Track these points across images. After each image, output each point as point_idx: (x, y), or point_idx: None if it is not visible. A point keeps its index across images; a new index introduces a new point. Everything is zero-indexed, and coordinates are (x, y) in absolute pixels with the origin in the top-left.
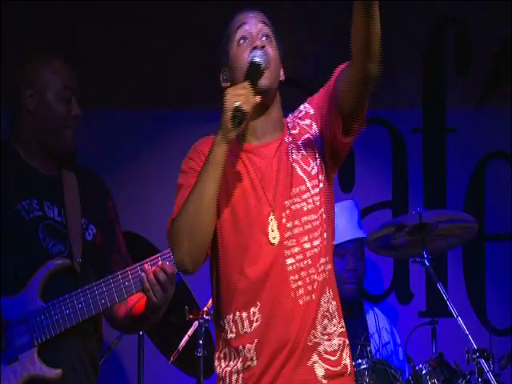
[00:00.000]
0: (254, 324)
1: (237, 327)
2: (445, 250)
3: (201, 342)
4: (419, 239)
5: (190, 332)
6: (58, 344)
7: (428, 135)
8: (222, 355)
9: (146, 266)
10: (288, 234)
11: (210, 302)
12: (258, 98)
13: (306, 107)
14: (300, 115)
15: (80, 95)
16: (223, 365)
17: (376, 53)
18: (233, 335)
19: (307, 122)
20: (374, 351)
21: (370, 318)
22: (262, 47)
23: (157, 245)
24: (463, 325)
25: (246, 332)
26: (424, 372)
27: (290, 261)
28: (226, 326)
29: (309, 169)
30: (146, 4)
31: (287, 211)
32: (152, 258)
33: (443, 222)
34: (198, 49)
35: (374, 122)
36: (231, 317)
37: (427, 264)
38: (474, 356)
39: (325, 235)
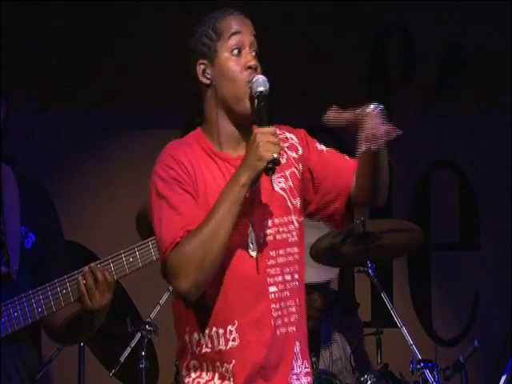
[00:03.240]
0: (230, 343)
1: (212, 343)
2: (390, 259)
3: (143, 353)
4: (363, 249)
5: (132, 344)
6: None
7: None
8: (191, 365)
9: (85, 269)
10: (271, 262)
11: (154, 313)
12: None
13: (292, 139)
14: (286, 145)
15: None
16: (193, 375)
17: (384, 195)
18: (208, 350)
19: (294, 155)
20: (322, 365)
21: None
22: (256, 68)
23: (97, 253)
24: (408, 335)
25: (221, 349)
26: (369, 383)
27: (272, 289)
28: (202, 341)
29: (295, 201)
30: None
31: (270, 237)
32: (92, 264)
33: (388, 231)
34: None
35: (320, 130)
36: (207, 331)
37: (371, 273)
38: (419, 366)
39: (303, 272)
